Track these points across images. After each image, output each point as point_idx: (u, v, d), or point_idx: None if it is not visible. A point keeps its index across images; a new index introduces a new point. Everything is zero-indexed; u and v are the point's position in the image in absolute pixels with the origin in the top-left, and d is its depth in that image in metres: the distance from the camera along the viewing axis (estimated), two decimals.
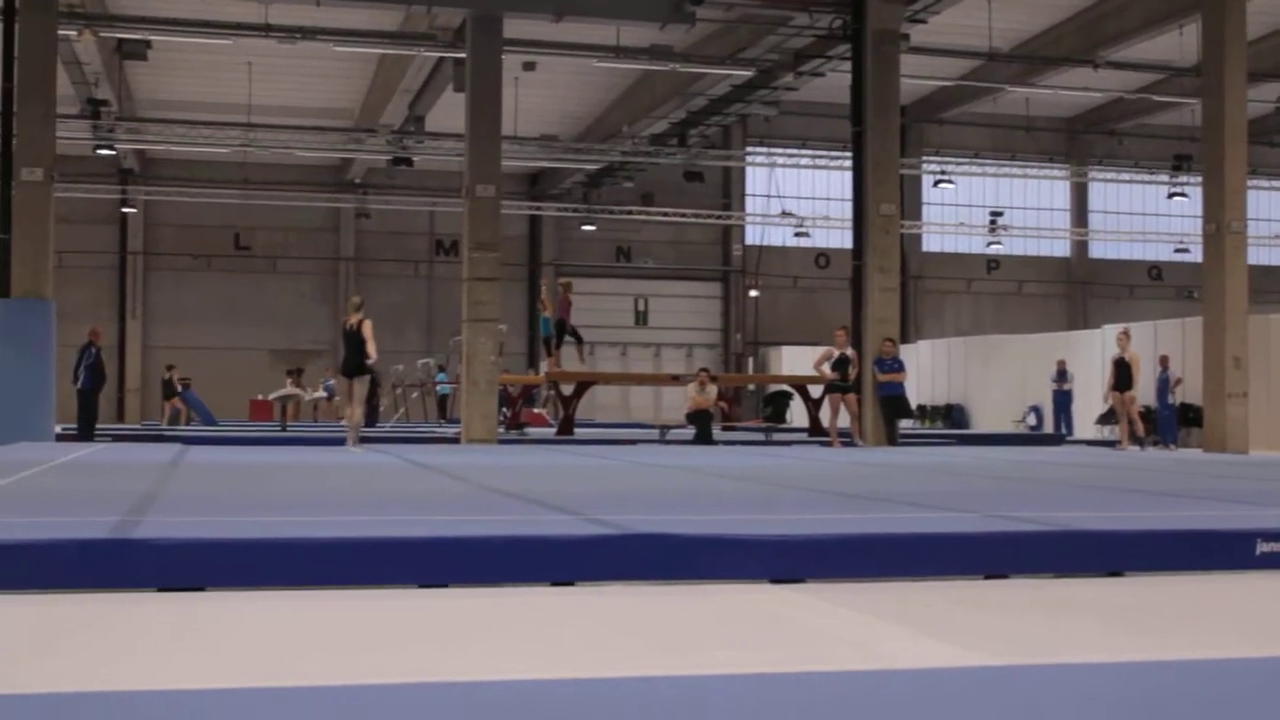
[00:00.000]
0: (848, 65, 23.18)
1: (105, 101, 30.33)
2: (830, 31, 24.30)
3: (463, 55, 23.05)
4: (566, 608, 5.35)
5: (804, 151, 39.09)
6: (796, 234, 40.13)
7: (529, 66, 29.35)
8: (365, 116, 34.38)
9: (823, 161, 38.51)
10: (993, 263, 43.07)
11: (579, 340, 23.54)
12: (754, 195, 41.71)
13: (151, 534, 5.76)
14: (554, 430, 24.03)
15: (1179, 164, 36.93)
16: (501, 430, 22.45)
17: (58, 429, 20.20)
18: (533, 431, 24.99)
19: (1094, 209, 43.83)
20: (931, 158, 39.24)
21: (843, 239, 35.52)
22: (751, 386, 37.28)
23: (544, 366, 26.71)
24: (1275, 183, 41.21)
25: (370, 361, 17.01)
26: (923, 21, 24.45)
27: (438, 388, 32.78)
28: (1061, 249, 43.95)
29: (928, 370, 34.97)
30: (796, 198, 40.84)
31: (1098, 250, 43.95)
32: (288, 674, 4.00)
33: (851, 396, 20.56)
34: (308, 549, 5.68)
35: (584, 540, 5.94)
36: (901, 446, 20.46)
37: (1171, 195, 38.19)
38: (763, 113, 32.95)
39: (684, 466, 12.96)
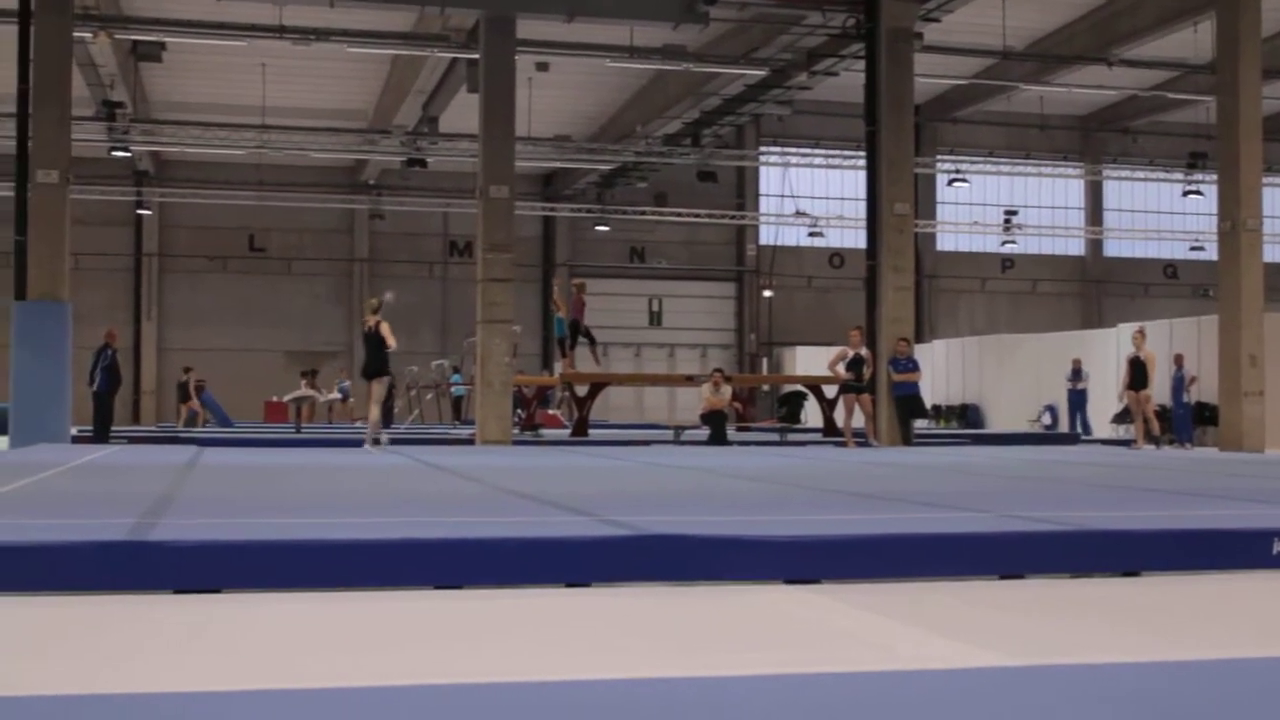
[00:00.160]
0: (861, 64, 23.16)
1: (120, 104, 30.41)
2: (844, 30, 24.27)
3: (476, 56, 23.07)
4: (581, 609, 5.35)
5: (817, 151, 39.06)
6: (810, 234, 40.11)
7: (542, 67, 29.38)
8: (379, 118, 34.44)
9: (836, 161, 38.45)
10: (1007, 262, 43.00)
11: (592, 341, 23.54)
12: (768, 195, 41.70)
13: (168, 536, 5.78)
14: (568, 431, 24.04)
15: (1194, 162, 36.84)
16: (516, 431, 22.45)
17: (73, 431, 20.25)
18: (547, 433, 24.99)
19: (1109, 207, 43.74)
20: (946, 157, 39.18)
21: (857, 239, 35.45)
22: (766, 387, 37.25)
23: (558, 367, 26.72)
24: None
25: (389, 349, 17.13)
26: (936, 20, 24.42)
27: (452, 389, 32.80)
28: (1076, 247, 43.86)
29: (942, 370, 34.91)
30: (810, 197, 40.83)
31: (1112, 249, 43.86)
32: (303, 676, 4.01)
33: (866, 397, 20.54)
34: (323, 551, 5.69)
35: (599, 541, 5.94)
36: (916, 446, 20.43)
37: (1186, 193, 38.11)
38: (776, 112, 32.96)
39: (698, 467, 12.96)
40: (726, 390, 22.79)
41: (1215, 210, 21.64)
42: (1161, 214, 43.10)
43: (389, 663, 4.20)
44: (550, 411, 30.29)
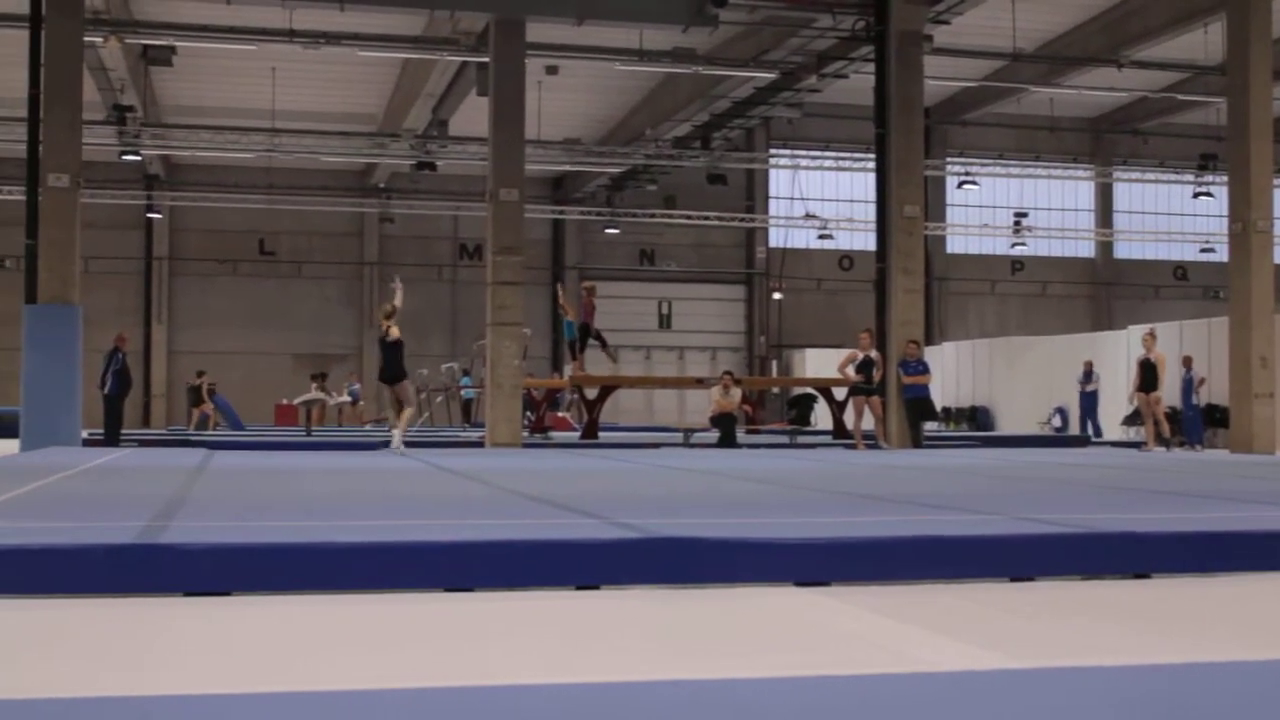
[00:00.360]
0: (871, 67, 23.14)
1: (131, 107, 30.47)
2: (853, 33, 24.26)
3: (486, 59, 23.09)
4: (591, 611, 5.35)
5: (827, 153, 39.04)
6: (820, 236, 40.07)
7: (552, 70, 29.41)
8: (389, 121, 34.48)
9: (846, 163, 38.42)
10: (1017, 264, 42.95)
11: (604, 344, 23.56)
12: (777, 198, 41.68)
13: (178, 539, 5.79)
14: (578, 434, 24.03)
15: (1204, 163, 36.75)
16: (526, 434, 22.46)
17: (84, 434, 20.29)
18: (557, 435, 25.00)
19: (1119, 209, 43.67)
20: (955, 159, 39.13)
21: (866, 241, 35.44)
22: (776, 389, 37.23)
23: (568, 370, 26.72)
24: None
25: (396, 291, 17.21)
26: (946, 22, 24.40)
27: (462, 392, 32.82)
28: (1086, 250, 43.80)
29: (952, 372, 34.87)
30: (820, 200, 40.82)
31: (1123, 250, 43.80)
32: (312, 679, 4.01)
33: (876, 399, 20.52)
34: (333, 554, 5.69)
35: (609, 544, 5.94)
36: (926, 449, 20.40)
37: (1197, 195, 38.04)
38: (786, 115, 32.95)
39: (708, 470, 12.96)
40: (736, 393, 22.78)
41: (1226, 212, 21.58)
42: (1172, 216, 43.02)
43: (398, 666, 4.21)
44: (560, 414, 30.29)
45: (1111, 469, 13.64)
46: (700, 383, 26.63)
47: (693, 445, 21.52)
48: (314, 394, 30.33)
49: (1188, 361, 24.04)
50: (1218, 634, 5.00)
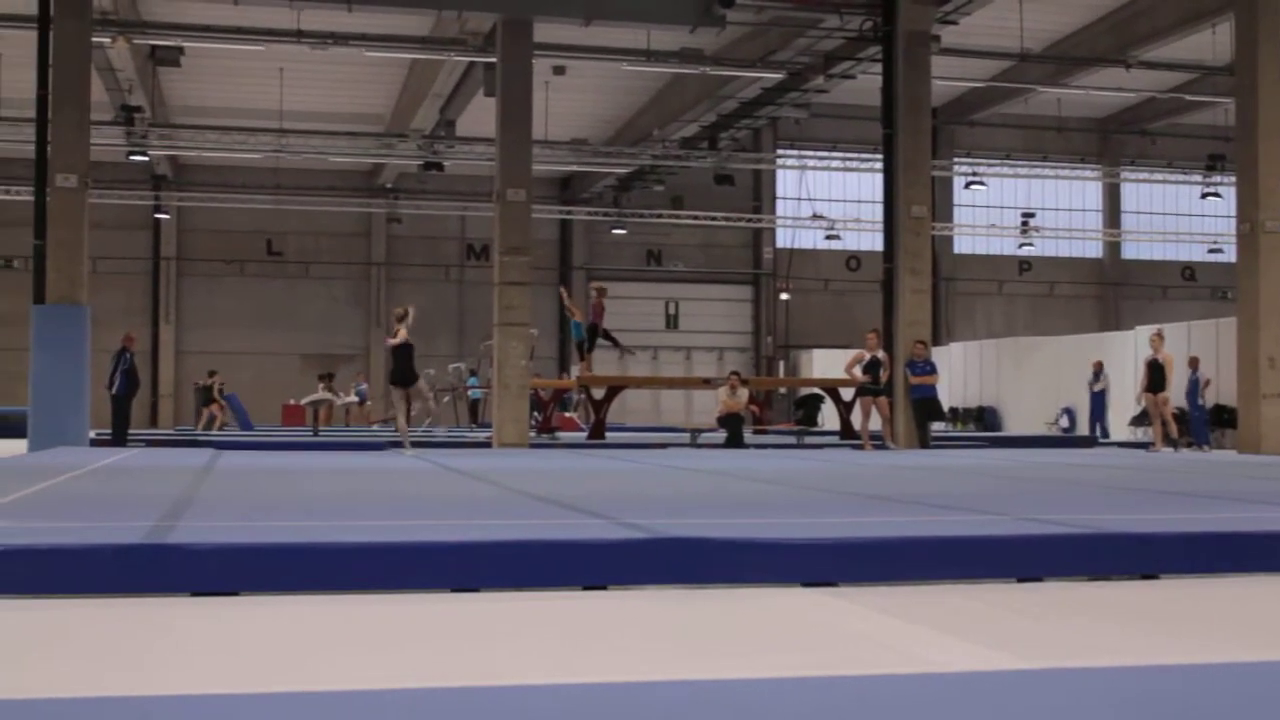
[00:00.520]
0: (878, 67, 23.13)
1: (139, 108, 30.51)
2: (861, 33, 24.24)
3: (493, 60, 23.11)
4: (598, 611, 5.35)
5: (835, 154, 39.02)
6: (827, 236, 40.06)
7: (559, 70, 29.41)
8: (396, 121, 34.50)
9: (853, 164, 38.39)
10: (1025, 264, 42.90)
11: (615, 342, 23.63)
12: (784, 198, 41.67)
13: (185, 539, 5.80)
14: (585, 434, 24.04)
15: (1212, 164, 36.71)
16: (533, 434, 22.47)
17: (92, 434, 20.32)
18: (564, 435, 24.99)
19: (1126, 209, 43.62)
20: (963, 159, 39.09)
21: (874, 241, 35.43)
22: (783, 390, 37.23)
23: (575, 370, 26.73)
24: None
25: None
26: (954, 23, 24.38)
27: (469, 392, 32.84)
28: (1094, 250, 43.76)
29: (960, 373, 34.84)
30: (827, 200, 40.80)
31: (1130, 251, 43.74)
32: (319, 679, 4.01)
33: (883, 399, 20.51)
34: (340, 554, 5.70)
35: (616, 544, 5.94)
36: (933, 449, 20.39)
37: (1205, 195, 38.00)
38: (793, 115, 32.91)
39: (715, 470, 12.96)
40: (743, 393, 22.77)
41: (1234, 212, 21.54)
42: (1180, 216, 42.97)
43: (405, 666, 4.21)
44: (567, 414, 30.30)
45: (1119, 470, 13.62)
46: (707, 383, 26.62)
47: (700, 445, 21.52)
48: (321, 394, 30.34)
49: (1194, 362, 23.99)
50: (1225, 635, 4.99)
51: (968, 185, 38.92)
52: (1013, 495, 9.40)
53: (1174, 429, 21.28)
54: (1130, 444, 24.66)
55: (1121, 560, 6.27)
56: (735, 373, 24.13)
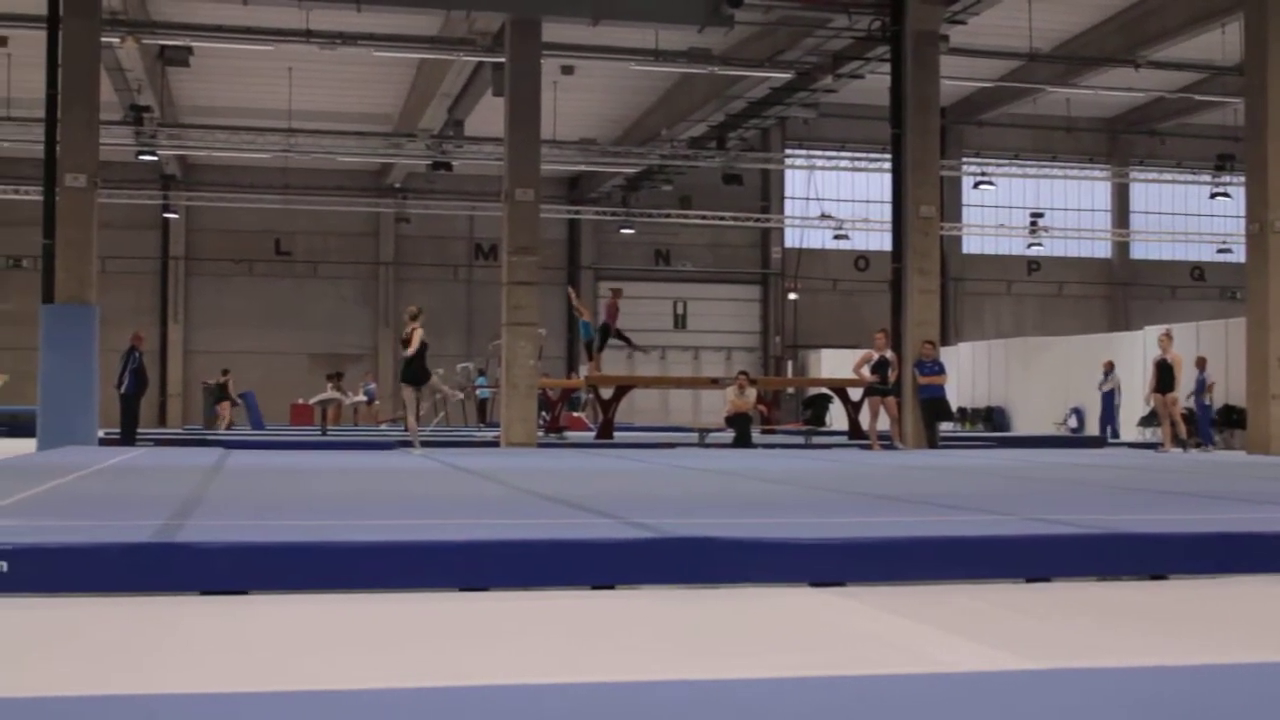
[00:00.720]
0: (887, 67, 23.10)
1: (148, 108, 30.55)
2: (869, 33, 24.23)
3: (502, 59, 23.11)
4: (606, 611, 5.35)
5: (843, 154, 38.97)
6: (836, 236, 40.01)
7: (567, 70, 29.42)
8: (405, 121, 34.51)
9: (862, 164, 38.35)
10: (1033, 264, 42.85)
11: (628, 341, 23.66)
12: (793, 198, 41.64)
13: (194, 538, 5.81)
14: (593, 434, 24.05)
15: (1221, 164, 36.62)
16: (541, 434, 22.47)
17: (100, 433, 20.35)
18: (572, 435, 25.01)
19: (1135, 209, 43.54)
20: (971, 159, 39.04)
21: (882, 241, 35.38)
22: (791, 389, 37.20)
23: (583, 370, 26.73)
24: None
25: (407, 353, 17.24)
26: (962, 23, 24.35)
27: (477, 392, 32.86)
28: (1103, 250, 43.69)
29: (968, 373, 34.81)
30: (836, 200, 40.77)
31: (1139, 251, 43.68)
32: (326, 678, 4.02)
33: (891, 399, 20.49)
34: (349, 553, 5.71)
35: (624, 544, 5.94)
36: (942, 449, 20.37)
37: (1214, 195, 37.91)
38: (801, 115, 32.90)
39: (723, 470, 12.96)
40: (751, 393, 22.77)
41: (1243, 212, 21.50)
42: (1189, 216, 42.87)
43: (412, 665, 4.21)
44: (575, 414, 30.31)
45: (1127, 470, 13.61)
46: (715, 383, 26.61)
47: (708, 445, 21.51)
48: (330, 394, 30.38)
49: (1201, 362, 23.95)
50: (1233, 636, 4.98)
51: (976, 185, 38.89)
52: (1021, 495, 9.40)
53: (1183, 429, 21.25)
54: (1139, 444, 24.63)
55: (1129, 561, 6.27)
56: (743, 372, 24.12)
